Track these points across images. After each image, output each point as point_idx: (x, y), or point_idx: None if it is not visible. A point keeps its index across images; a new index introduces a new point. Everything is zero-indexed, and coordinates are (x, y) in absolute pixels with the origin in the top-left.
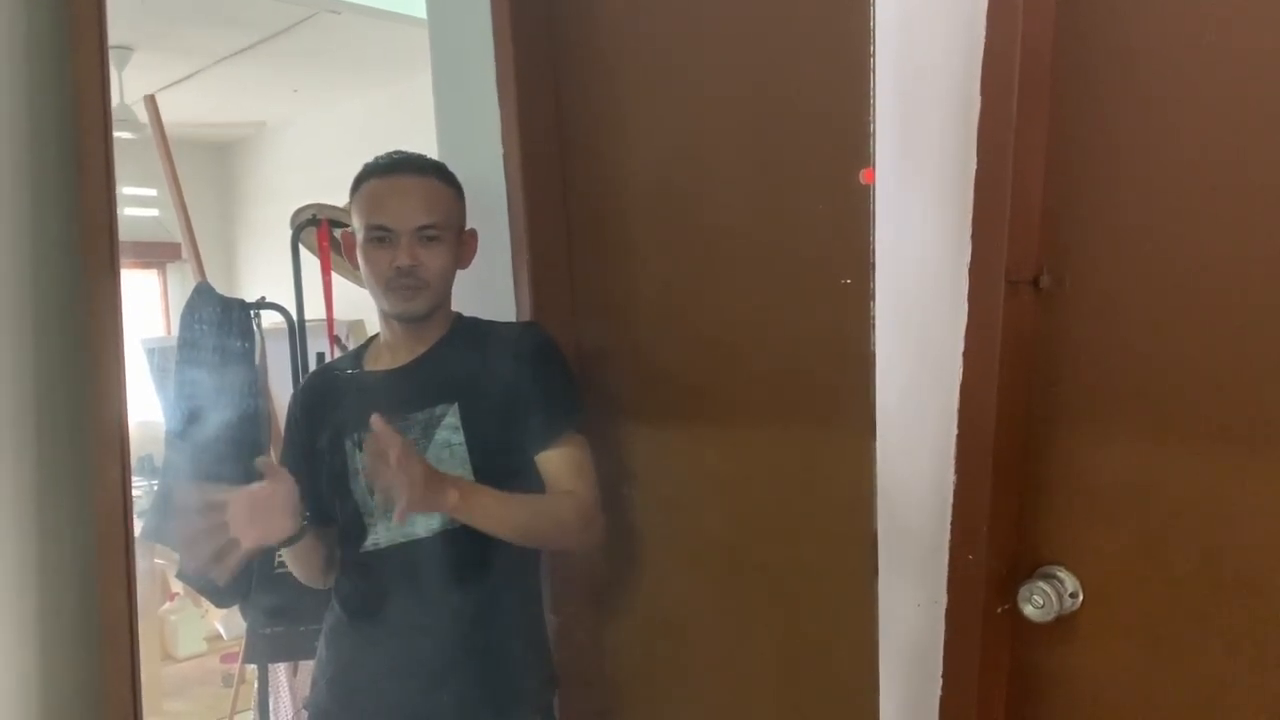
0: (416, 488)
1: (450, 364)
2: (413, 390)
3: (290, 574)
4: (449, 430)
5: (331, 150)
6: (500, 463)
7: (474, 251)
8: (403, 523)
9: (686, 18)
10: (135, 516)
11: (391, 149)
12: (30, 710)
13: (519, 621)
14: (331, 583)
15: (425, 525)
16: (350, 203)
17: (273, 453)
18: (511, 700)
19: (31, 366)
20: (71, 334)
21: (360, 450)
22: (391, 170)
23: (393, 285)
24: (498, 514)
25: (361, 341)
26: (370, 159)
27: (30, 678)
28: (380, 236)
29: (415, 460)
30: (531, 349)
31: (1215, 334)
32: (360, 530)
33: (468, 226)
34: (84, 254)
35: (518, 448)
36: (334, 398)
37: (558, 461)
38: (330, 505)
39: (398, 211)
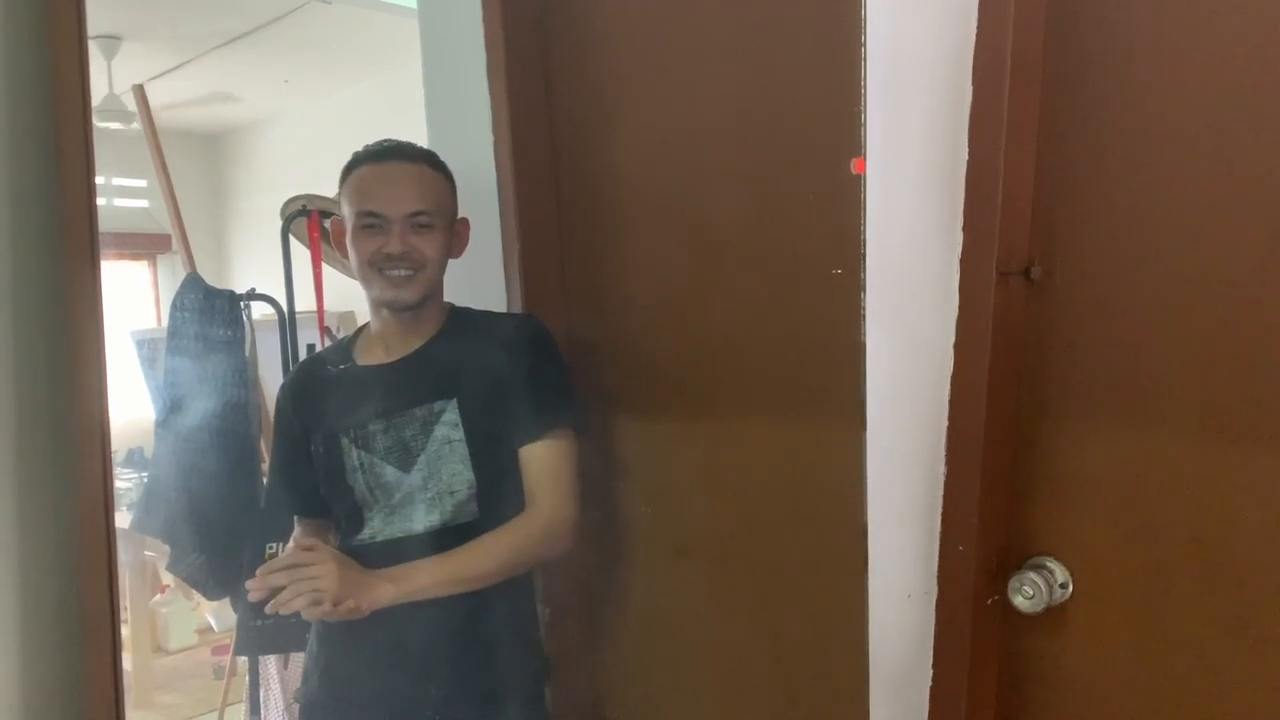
0: (344, 588)
1: (447, 358)
2: (410, 386)
3: None
4: (448, 427)
5: (322, 141)
6: (501, 457)
7: (466, 241)
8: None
9: (678, 6)
10: (126, 509)
11: (382, 138)
12: (13, 704)
13: (510, 612)
14: None
15: (422, 521)
16: (339, 191)
17: (264, 444)
18: (503, 691)
19: (12, 359)
20: (52, 326)
21: (358, 447)
22: (382, 157)
23: (383, 270)
24: (449, 579)
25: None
26: (361, 148)
27: (12, 672)
28: (371, 224)
29: (331, 566)
30: (527, 341)
31: (1205, 325)
32: (358, 522)
33: (459, 216)
34: (64, 246)
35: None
36: (327, 392)
37: (536, 461)
38: (325, 499)
39: (389, 197)
